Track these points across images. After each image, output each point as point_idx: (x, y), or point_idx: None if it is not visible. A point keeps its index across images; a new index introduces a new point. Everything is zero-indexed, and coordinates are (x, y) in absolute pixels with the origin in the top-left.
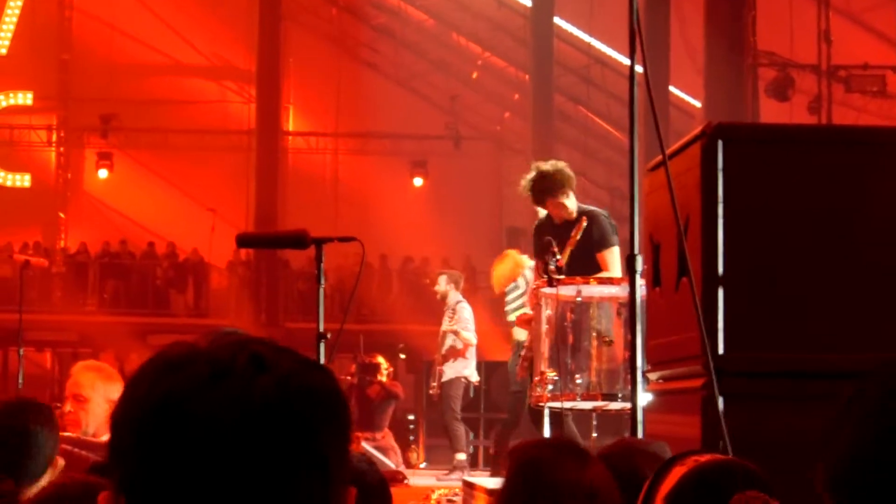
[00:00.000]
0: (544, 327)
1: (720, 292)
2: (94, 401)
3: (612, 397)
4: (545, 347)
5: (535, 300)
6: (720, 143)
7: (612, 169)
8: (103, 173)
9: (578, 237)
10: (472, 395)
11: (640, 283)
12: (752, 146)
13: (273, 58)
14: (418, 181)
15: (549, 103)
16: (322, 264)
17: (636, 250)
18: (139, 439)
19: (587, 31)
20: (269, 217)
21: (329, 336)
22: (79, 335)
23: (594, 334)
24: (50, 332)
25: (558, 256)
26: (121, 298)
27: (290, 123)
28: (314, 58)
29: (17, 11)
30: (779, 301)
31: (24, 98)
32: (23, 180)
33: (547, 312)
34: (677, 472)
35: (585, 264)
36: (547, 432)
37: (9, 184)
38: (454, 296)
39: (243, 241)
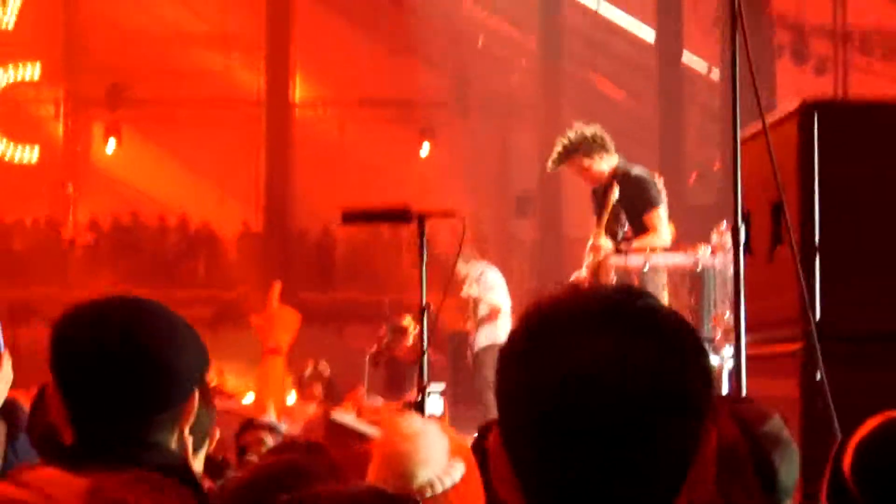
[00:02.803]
0: None
1: (816, 260)
2: None
3: None
4: None
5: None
6: (816, 116)
7: (621, 136)
8: (111, 146)
9: (613, 201)
10: None
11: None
12: (846, 119)
13: (283, 28)
14: (426, 148)
15: (557, 69)
16: (424, 238)
17: (739, 221)
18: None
19: None
20: (281, 187)
21: (431, 307)
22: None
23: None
24: (62, 306)
25: (626, 227)
26: (133, 272)
27: (297, 92)
28: (320, 26)
29: None
30: (872, 269)
31: (33, 70)
32: (31, 154)
33: (613, 281)
34: (871, 424)
35: (636, 227)
36: None
37: (17, 158)
38: (475, 267)
39: (348, 217)
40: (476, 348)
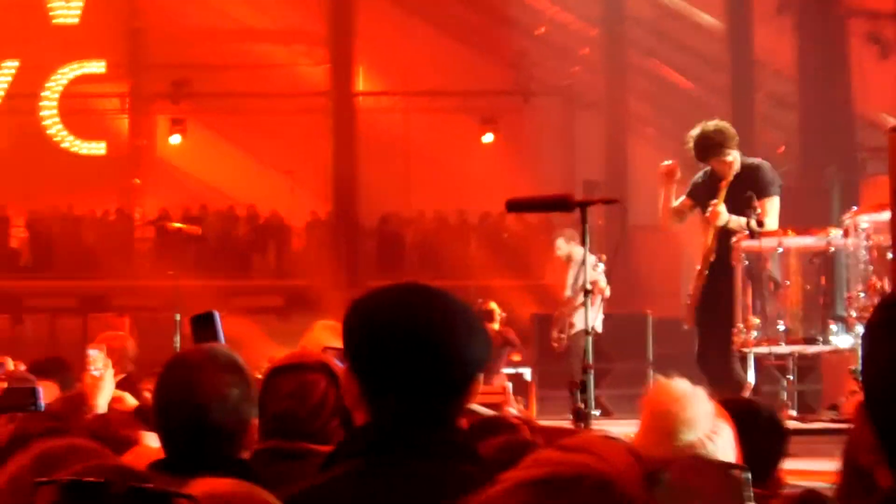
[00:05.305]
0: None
1: None
2: None
3: (811, 341)
4: (748, 296)
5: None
6: None
7: (684, 121)
8: (176, 139)
9: (726, 189)
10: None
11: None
12: None
13: (346, 19)
14: (488, 137)
15: (620, 56)
16: (586, 225)
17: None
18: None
19: None
20: (348, 177)
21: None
22: (162, 300)
23: (788, 282)
24: (133, 297)
25: (759, 210)
26: (202, 262)
27: (360, 84)
28: (381, 17)
29: None
30: None
31: (98, 66)
32: (98, 148)
33: (745, 264)
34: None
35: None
36: (752, 378)
37: (84, 151)
38: (578, 250)
39: (512, 206)
40: (574, 331)
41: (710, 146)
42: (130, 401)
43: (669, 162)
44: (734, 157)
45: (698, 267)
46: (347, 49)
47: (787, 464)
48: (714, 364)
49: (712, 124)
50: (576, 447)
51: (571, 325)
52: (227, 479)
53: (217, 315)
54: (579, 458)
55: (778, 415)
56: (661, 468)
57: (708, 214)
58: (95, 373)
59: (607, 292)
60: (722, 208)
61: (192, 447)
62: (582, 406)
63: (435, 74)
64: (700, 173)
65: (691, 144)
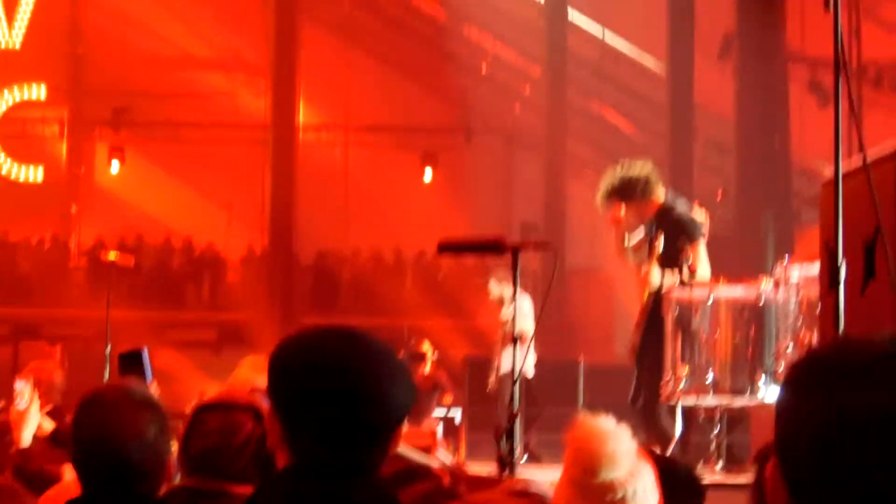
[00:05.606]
0: (669, 328)
1: None
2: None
3: (739, 392)
4: (677, 346)
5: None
6: None
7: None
8: (115, 167)
9: (660, 246)
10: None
11: (768, 283)
12: None
13: (289, 51)
14: (428, 175)
15: (562, 96)
16: (518, 270)
17: (839, 259)
18: None
19: (601, 24)
20: (286, 211)
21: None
22: (95, 330)
23: (717, 333)
24: (66, 326)
25: (689, 259)
26: (137, 293)
27: (301, 117)
28: (324, 50)
29: (31, 5)
30: None
31: (38, 91)
32: (35, 173)
33: (675, 313)
34: None
35: (671, 258)
36: (679, 428)
37: (21, 177)
38: (509, 291)
39: (444, 247)
40: (501, 372)
41: (629, 192)
42: (46, 425)
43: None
44: (627, 212)
45: (635, 320)
46: (290, 80)
47: None
48: (641, 411)
49: (638, 168)
50: None
51: (499, 367)
52: None
53: (146, 352)
54: None
55: (695, 473)
56: None
57: (640, 279)
58: (20, 406)
59: (529, 332)
60: (653, 273)
61: (111, 486)
62: (506, 453)
63: (377, 109)
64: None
65: (609, 186)
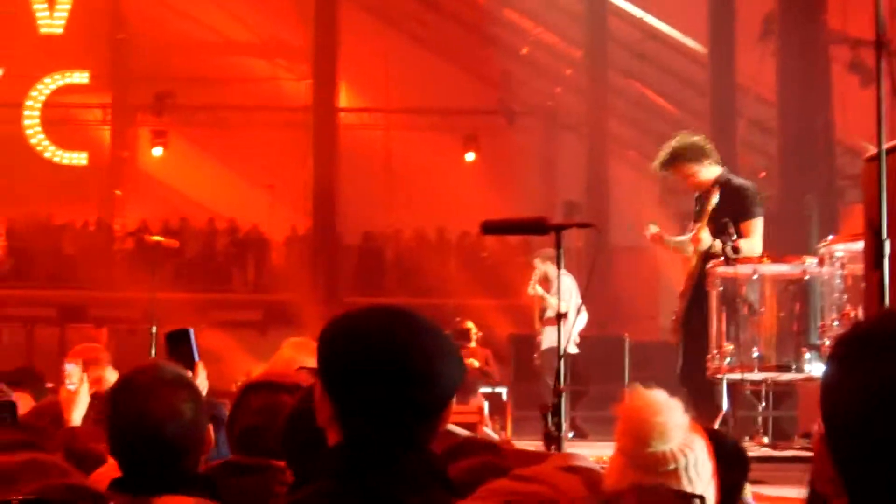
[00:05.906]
0: (716, 304)
1: None
2: None
3: (784, 368)
4: (722, 322)
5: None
6: None
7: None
8: (158, 151)
9: (711, 208)
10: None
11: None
12: None
13: (329, 34)
14: (470, 156)
15: (602, 78)
16: (561, 248)
17: (884, 235)
18: None
19: (641, 6)
20: (328, 192)
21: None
22: (140, 312)
23: (762, 309)
24: (112, 308)
25: (734, 237)
26: (182, 275)
27: (343, 100)
28: (365, 33)
29: None
30: None
31: (81, 77)
32: (79, 158)
33: (720, 289)
34: None
35: (721, 228)
36: (725, 404)
37: (65, 162)
38: (553, 270)
39: (488, 227)
40: (542, 348)
41: (675, 156)
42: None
43: (654, 230)
44: (698, 171)
45: (681, 289)
46: (330, 64)
47: (759, 490)
48: (696, 383)
49: (684, 136)
50: (530, 477)
51: (539, 345)
52: (189, 496)
53: (192, 332)
54: (533, 489)
55: (741, 445)
56: (616, 498)
57: (690, 238)
58: (71, 387)
59: (560, 308)
60: (704, 233)
61: (151, 466)
62: (553, 429)
63: (418, 92)
64: (697, 193)
65: (661, 156)
